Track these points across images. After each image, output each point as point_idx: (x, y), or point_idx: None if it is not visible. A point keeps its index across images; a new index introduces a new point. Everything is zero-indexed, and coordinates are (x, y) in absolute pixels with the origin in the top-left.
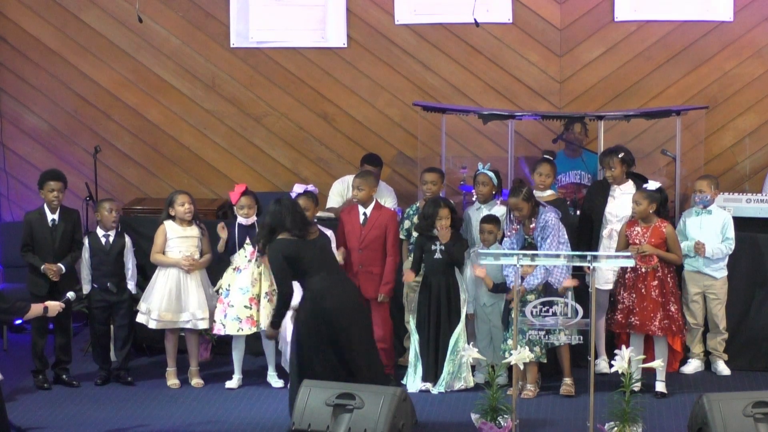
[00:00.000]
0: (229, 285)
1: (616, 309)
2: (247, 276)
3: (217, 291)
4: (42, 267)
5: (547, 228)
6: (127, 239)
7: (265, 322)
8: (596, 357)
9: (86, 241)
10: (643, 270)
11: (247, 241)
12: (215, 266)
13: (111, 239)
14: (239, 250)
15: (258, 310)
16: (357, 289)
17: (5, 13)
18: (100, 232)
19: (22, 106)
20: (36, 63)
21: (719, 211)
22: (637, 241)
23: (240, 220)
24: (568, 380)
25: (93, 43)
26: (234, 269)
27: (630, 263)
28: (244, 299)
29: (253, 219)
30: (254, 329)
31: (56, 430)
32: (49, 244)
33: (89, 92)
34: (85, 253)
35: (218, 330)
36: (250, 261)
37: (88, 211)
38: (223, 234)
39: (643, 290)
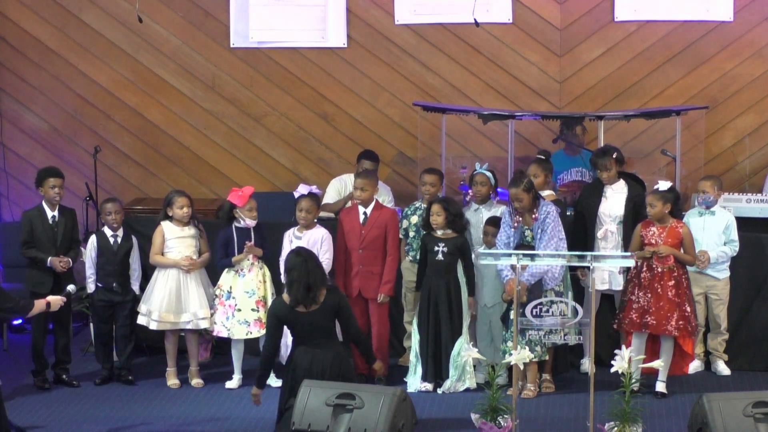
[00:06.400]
0: (230, 287)
1: (629, 309)
2: (252, 279)
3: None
4: (48, 260)
5: (547, 220)
6: (134, 240)
7: None
8: (582, 356)
9: (94, 239)
10: (660, 270)
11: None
12: (214, 266)
13: (119, 240)
14: (239, 254)
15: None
16: (341, 362)
17: (5, 13)
18: (108, 231)
19: (22, 106)
20: (36, 63)
21: (722, 212)
22: (653, 242)
23: (248, 221)
24: (546, 375)
25: (93, 43)
26: (236, 272)
27: (630, 263)
28: (251, 302)
29: (256, 221)
30: (263, 332)
31: (56, 430)
32: (51, 240)
33: (89, 92)
34: (92, 252)
35: (219, 332)
36: (253, 264)
37: (87, 211)
38: (255, 252)
39: (659, 290)
